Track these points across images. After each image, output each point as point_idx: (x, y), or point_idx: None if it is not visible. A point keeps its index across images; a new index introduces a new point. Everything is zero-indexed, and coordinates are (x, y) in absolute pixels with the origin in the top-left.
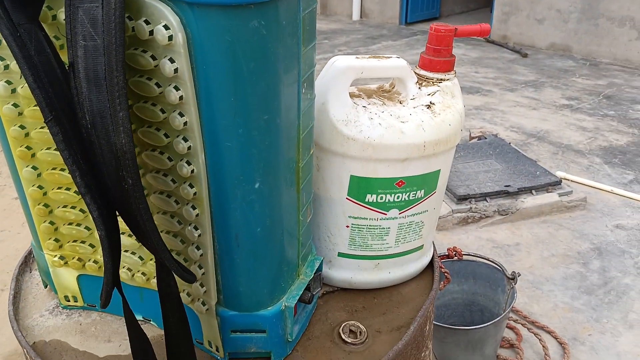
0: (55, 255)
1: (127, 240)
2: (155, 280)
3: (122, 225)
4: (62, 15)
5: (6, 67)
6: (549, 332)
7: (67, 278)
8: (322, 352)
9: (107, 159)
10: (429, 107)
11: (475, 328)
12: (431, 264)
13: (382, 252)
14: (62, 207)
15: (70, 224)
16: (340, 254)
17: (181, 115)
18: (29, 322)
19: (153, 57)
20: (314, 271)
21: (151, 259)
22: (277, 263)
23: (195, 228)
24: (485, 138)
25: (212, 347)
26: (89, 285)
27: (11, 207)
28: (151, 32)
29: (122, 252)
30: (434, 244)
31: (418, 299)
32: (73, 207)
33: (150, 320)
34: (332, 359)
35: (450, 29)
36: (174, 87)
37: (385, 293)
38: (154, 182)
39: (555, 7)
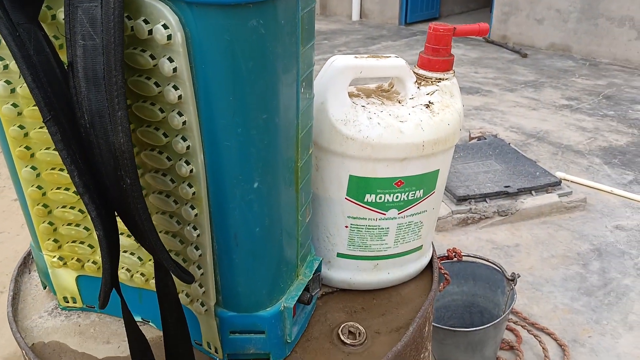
0: (54, 256)
1: (126, 241)
2: (154, 281)
3: (121, 225)
4: (61, 15)
5: (5, 66)
6: (549, 334)
7: (66, 279)
8: (321, 353)
9: (105, 158)
10: (427, 106)
11: (475, 330)
12: (430, 264)
13: (381, 252)
14: (61, 208)
15: (69, 224)
16: (340, 255)
17: (180, 114)
18: (28, 323)
19: (152, 57)
20: (313, 272)
21: (150, 260)
22: (276, 263)
23: (194, 228)
24: (485, 138)
25: (211, 349)
26: (88, 286)
27: (10, 208)
28: (150, 32)
29: (121, 253)
30: (433, 244)
31: (417, 299)
32: (72, 208)
33: (149, 322)
34: None
35: (449, 29)
36: (172, 87)
37: (384, 294)
38: (152, 181)
39: (554, 7)
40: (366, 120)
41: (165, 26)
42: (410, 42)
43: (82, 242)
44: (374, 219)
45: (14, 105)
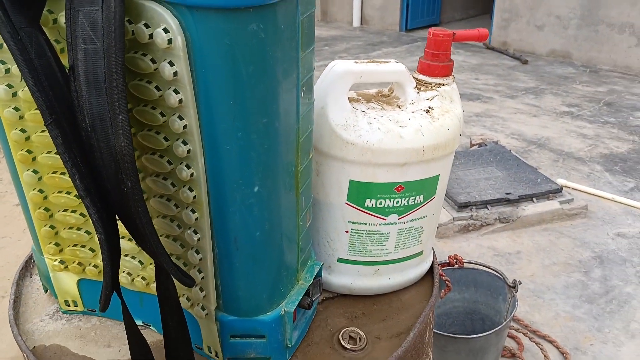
0: (56, 260)
1: (127, 245)
2: (155, 285)
3: (122, 229)
4: (62, 19)
5: (7, 70)
6: (551, 342)
7: (67, 282)
8: (321, 358)
9: (106, 161)
10: (427, 111)
11: (477, 337)
12: (431, 270)
13: (382, 257)
14: (63, 211)
15: (70, 228)
16: (340, 260)
17: (180, 118)
18: (29, 326)
19: (153, 61)
20: (314, 276)
21: (151, 264)
22: (277, 267)
23: (195, 232)
24: (486, 145)
25: (211, 353)
26: (89, 289)
27: (12, 214)
28: (151, 36)
29: (122, 257)
30: (433, 250)
31: (418, 305)
32: (73, 211)
33: (150, 325)
34: None
35: (448, 34)
36: (173, 91)
37: (385, 299)
38: (153, 185)
39: (554, 13)
40: (366, 125)
41: (165, 30)
42: (411, 49)
43: (83, 246)
44: (374, 224)
45: (16, 109)
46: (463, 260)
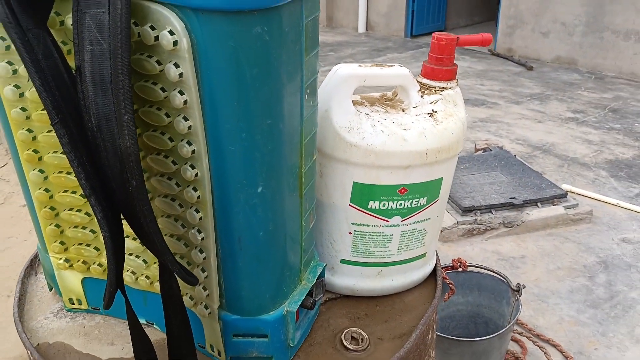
0: (61, 258)
1: (132, 244)
2: (158, 284)
3: (126, 228)
4: (69, 21)
5: (15, 71)
6: (555, 346)
7: (72, 281)
8: (323, 358)
9: (112, 161)
10: (431, 115)
11: (480, 340)
12: (434, 272)
13: (385, 259)
14: (68, 210)
15: (75, 226)
16: (343, 261)
17: (185, 119)
18: (34, 324)
19: (158, 62)
20: (317, 277)
21: (155, 263)
22: (280, 268)
23: (199, 231)
24: (491, 150)
25: (214, 351)
26: (93, 288)
27: (18, 214)
28: (157, 38)
29: (127, 256)
30: (437, 252)
31: (421, 307)
32: (79, 210)
33: (153, 324)
34: None
35: (452, 38)
36: (178, 92)
37: (387, 301)
38: (158, 185)
39: (560, 20)
40: (370, 128)
41: (171, 32)
42: (416, 54)
43: (88, 245)
44: (377, 226)
45: (23, 109)
46: (467, 264)
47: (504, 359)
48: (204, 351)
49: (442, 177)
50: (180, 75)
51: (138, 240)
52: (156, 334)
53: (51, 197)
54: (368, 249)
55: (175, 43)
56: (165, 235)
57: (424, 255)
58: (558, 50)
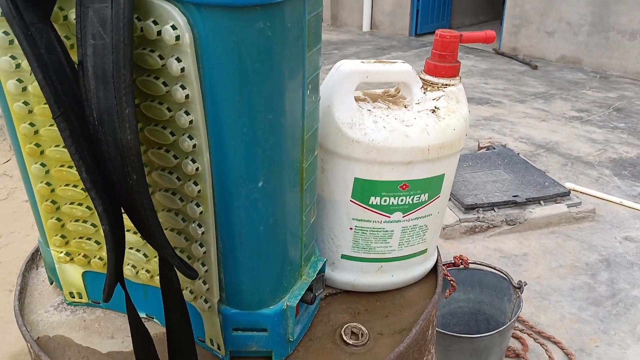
0: (61, 252)
1: (132, 238)
2: (159, 278)
3: (127, 222)
4: (72, 16)
5: (18, 65)
6: (556, 343)
7: (73, 274)
8: (323, 353)
9: (113, 155)
10: (433, 111)
11: (481, 336)
12: (435, 268)
13: (386, 255)
14: (69, 204)
15: (76, 220)
16: (344, 256)
17: (187, 113)
18: (34, 317)
19: (160, 57)
20: (317, 272)
21: (155, 257)
22: (280, 262)
23: (199, 225)
24: (494, 148)
25: (213, 345)
26: (94, 282)
27: (21, 209)
28: (159, 33)
29: (127, 250)
30: (438, 249)
31: (421, 302)
32: (80, 204)
33: (153, 318)
34: None
35: (455, 35)
36: (180, 86)
37: (388, 296)
38: (159, 179)
39: (565, 19)
40: (372, 124)
41: (173, 27)
42: (420, 53)
43: (89, 239)
44: (378, 222)
45: (25, 103)
46: (468, 261)
47: (504, 356)
48: (203, 345)
49: (443, 174)
50: (182, 69)
51: (138, 234)
52: (156, 328)
53: (52, 190)
54: (369, 244)
55: (177, 38)
56: (165, 229)
57: (424, 251)
58: (563, 50)
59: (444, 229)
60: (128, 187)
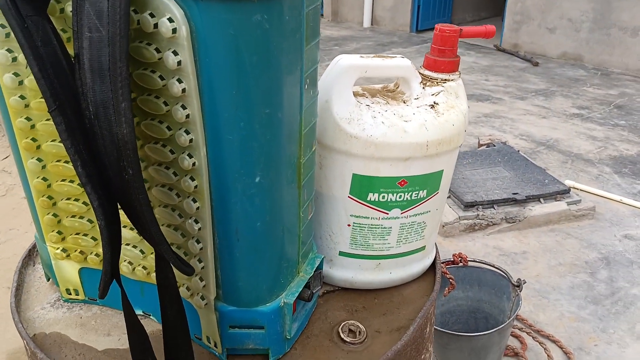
0: (58, 248)
1: (129, 234)
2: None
3: (124, 218)
4: (69, 8)
5: (14, 59)
6: (555, 342)
7: (69, 271)
8: (320, 350)
9: (108, 149)
10: (432, 107)
11: (479, 335)
12: (433, 266)
13: (384, 252)
14: (66, 200)
15: (73, 216)
16: (342, 253)
17: (183, 107)
18: (30, 314)
19: (157, 50)
20: (314, 269)
21: (152, 253)
22: (277, 259)
23: (196, 221)
24: (494, 145)
25: (210, 343)
26: (90, 278)
27: (20, 206)
28: (156, 25)
29: (124, 246)
30: (436, 246)
31: (419, 300)
32: (76, 200)
33: (150, 315)
34: (331, 358)
35: (455, 30)
36: (177, 80)
37: (386, 294)
38: (156, 174)
39: (566, 16)
40: (370, 119)
41: (170, 20)
42: (421, 49)
43: (85, 235)
44: (376, 218)
45: (22, 97)
46: (467, 259)
47: (503, 354)
48: (200, 343)
49: (442, 170)
50: (179, 63)
51: (135, 230)
52: (153, 325)
53: (49, 186)
54: (367, 241)
55: (174, 30)
56: (162, 225)
57: (423, 248)
58: (564, 46)
59: (443, 226)
60: (124, 182)
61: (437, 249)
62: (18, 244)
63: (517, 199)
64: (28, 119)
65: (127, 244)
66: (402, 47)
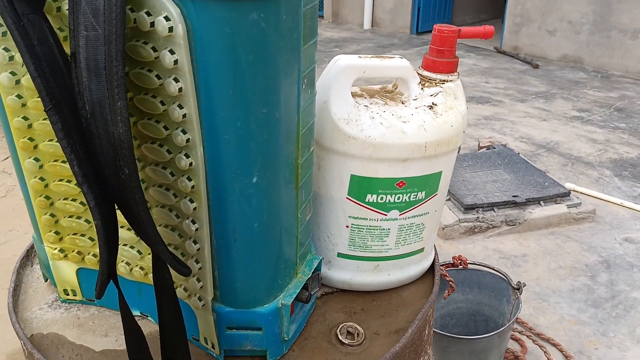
0: (55, 248)
1: (126, 234)
2: None
3: (121, 219)
4: (65, 7)
5: (11, 58)
6: (555, 345)
7: (67, 271)
8: (318, 352)
9: (105, 148)
10: (431, 107)
11: (479, 338)
12: (432, 268)
13: (382, 253)
14: (63, 200)
15: (70, 216)
16: (340, 255)
17: (180, 107)
18: (28, 314)
19: (154, 49)
20: (312, 270)
21: (149, 254)
22: (275, 260)
23: (193, 222)
24: (494, 148)
25: (208, 344)
26: (88, 279)
27: (20, 207)
28: (152, 24)
29: (121, 246)
30: (435, 248)
31: (418, 302)
32: (74, 200)
33: (147, 316)
34: None
35: (453, 30)
36: (173, 79)
37: (384, 296)
38: (153, 174)
39: (566, 18)
40: (368, 120)
41: (166, 18)
42: (422, 51)
43: (83, 235)
44: (375, 220)
45: (19, 96)
46: (467, 261)
47: (503, 357)
48: (198, 344)
49: (441, 171)
50: (176, 62)
51: (132, 231)
52: (151, 326)
53: (46, 186)
54: (365, 242)
55: (170, 29)
56: (159, 225)
57: (421, 250)
58: (564, 49)
59: (443, 229)
60: (120, 182)
61: (436, 251)
62: (18, 245)
63: (517, 201)
64: (25, 118)
65: (125, 245)
66: (402, 49)
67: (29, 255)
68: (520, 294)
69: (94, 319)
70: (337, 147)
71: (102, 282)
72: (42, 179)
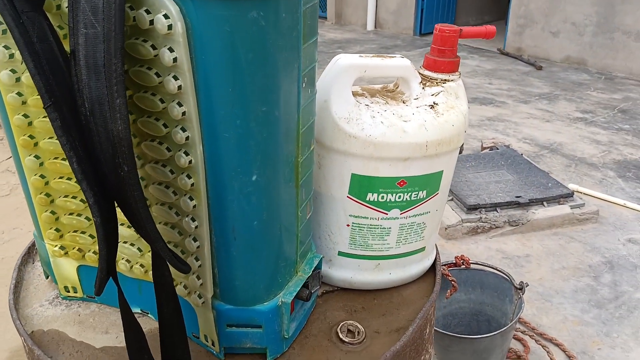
0: (56, 245)
1: (126, 232)
2: None
3: (121, 216)
4: (65, 5)
5: (11, 55)
6: (558, 345)
7: (67, 268)
8: (319, 350)
9: (104, 146)
10: (432, 107)
11: (481, 337)
12: (433, 267)
13: (383, 252)
14: (63, 197)
15: (71, 214)
16: (341, 253)
17: (180, 105)
18: (29, 311)
19: (153, 47)
20: (313, 268)
21: (149, 251)
22: (275, 258)
23: (193, 219)
24: (497, 149)
25: (208, 341)
26: (88, 276)
27: (24, 205)
28: (151, 22)
29: (121, 244)
30: (437, 247)
31: (419, 301)
32: (74, 197)
33: (148, 313)
34: (329, 358)
35: (455, 30)
36: (173, 77)
37: (385, 294)
38: (152, 172)
39: (570, 20)
40: (369, 119)
41: (166, 16)
42: (425, 53)
43: (83, 232)
44: (375, 219)
45: (19, 94)
46: (470, 261)
47: (506, 357)
48: (197, 341)
49: (442, 170)
50: (175, 60)
51: (133, 228)
52: (151, 323)
53: (47, 183)
54: (366, 241)
55: (169, 27)
56: (159, 223)
57: (423, 249)
58: (568, 50)
59: (445, 229)
60: (119, 179)
61: (437, 250)
62: (21, 243)
63: (520, 202)
64: (25, 116)
65: (125, 242)
66: (405, 50)
67: (30, 253)
68: (522, 294)
69: (94, 316)
70: (338, 146)
71: (101, 279)
72: (42, 176)
